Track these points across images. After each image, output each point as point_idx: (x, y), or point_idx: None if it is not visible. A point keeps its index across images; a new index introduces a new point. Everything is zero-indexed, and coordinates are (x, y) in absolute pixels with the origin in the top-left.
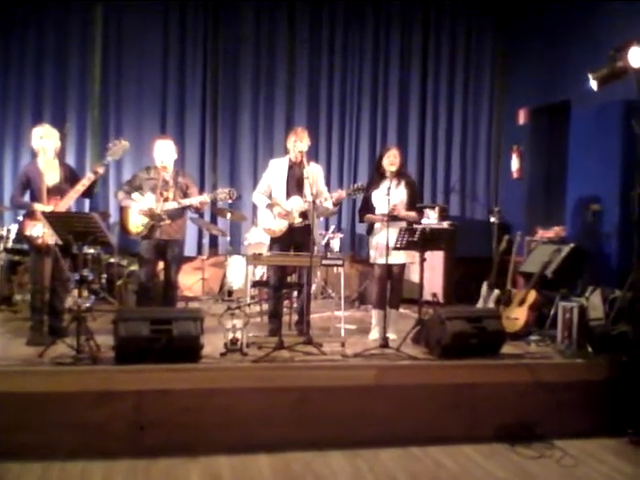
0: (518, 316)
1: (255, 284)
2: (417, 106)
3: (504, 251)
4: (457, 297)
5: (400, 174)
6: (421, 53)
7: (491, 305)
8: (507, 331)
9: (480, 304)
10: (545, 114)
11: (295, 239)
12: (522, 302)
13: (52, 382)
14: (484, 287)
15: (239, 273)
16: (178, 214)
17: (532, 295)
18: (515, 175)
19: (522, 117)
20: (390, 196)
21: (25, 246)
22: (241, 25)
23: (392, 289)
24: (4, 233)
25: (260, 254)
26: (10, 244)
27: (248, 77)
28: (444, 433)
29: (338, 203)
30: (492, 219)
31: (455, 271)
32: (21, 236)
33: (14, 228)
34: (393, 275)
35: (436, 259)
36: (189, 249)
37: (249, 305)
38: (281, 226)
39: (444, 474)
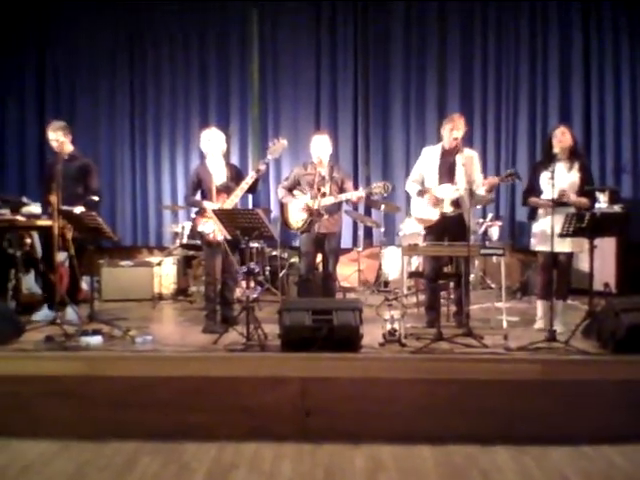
0: None
1: (411, 275)
2: (580, 80)
3: None
4: (632, 287)
5: (574, 155)
6: (582, 22)
7: None
8: None
9: None
10: None
11: (448, 228)
12: None
13: (225, 367)
14: None
15: (394, 264)
16: (335, 208)
17: None
18: None
19: None
20: (556, 180)
21: (198, 241)
22: (391, 14)
23: (559, 279)
24: (179, 230)
25: (415, 245)
26: (185, 240)
27: (398, 67)
28: (618, 432)
29: (491, 190)
30: None
31: (629, 259)
32: (194, 232)
33: (188, 225)
34: (559, 264)
35: (607, 246)
36: (345, 241)
37: (406, 296)
38: (432, 215)
39: (618, 475)
